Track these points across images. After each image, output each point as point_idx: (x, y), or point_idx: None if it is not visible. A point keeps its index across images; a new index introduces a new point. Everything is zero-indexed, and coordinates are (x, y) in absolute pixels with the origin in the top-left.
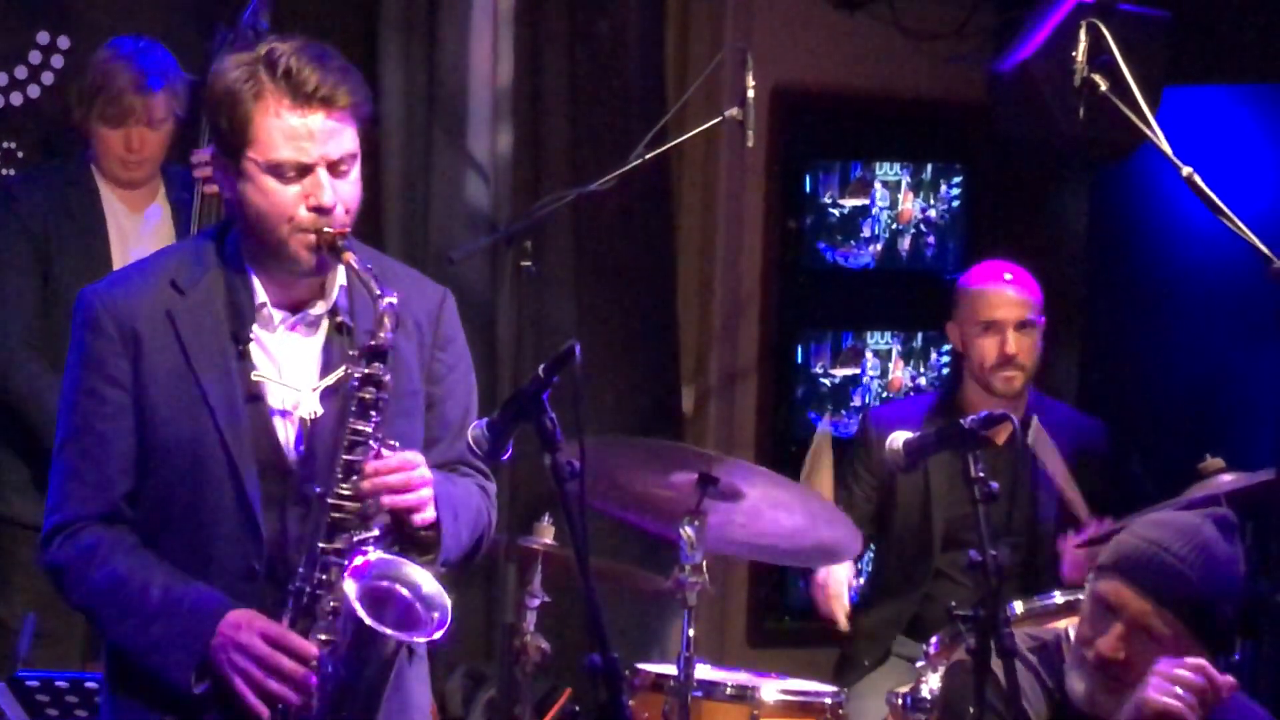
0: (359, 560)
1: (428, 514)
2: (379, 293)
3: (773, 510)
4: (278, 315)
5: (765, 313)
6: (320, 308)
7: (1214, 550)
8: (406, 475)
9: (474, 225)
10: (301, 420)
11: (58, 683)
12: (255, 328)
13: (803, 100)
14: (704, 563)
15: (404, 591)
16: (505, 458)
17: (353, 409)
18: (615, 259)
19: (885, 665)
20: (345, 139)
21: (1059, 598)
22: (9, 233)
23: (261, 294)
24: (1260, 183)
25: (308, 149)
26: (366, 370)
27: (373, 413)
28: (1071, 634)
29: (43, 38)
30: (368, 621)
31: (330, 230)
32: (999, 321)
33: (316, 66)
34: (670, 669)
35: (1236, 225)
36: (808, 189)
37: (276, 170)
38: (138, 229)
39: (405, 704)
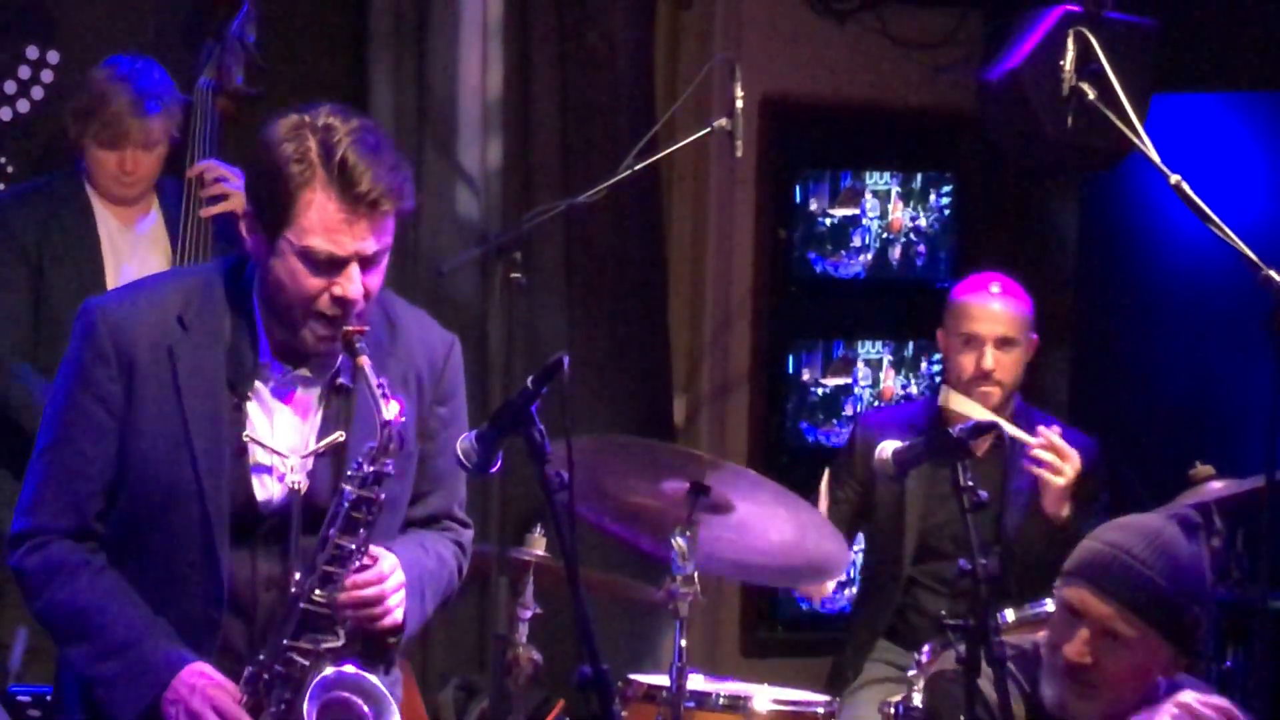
0: (330, 671)
1: (395, 618)
2: (386, 417)
3: (763, 523)
4: (279, 372)
5: (756, 323)
6: (324, 369)
7: (1176, 550)
8: (381, 589)
9: (464, 236)
10: (289, 490)
11: (49, 698)
12: (256, 383)
13: (792, 110)
14: (696, 573)
15: (364, 709)
16: (494, 470)
17: (341, 525)
18: (605, 270)
19: (877, 674)
20: (384, 236)
21: (1049, 605)
22: (1, 248)
23: (266, 351)
24: (1249, 190)
25: (345, 244)
26: (362, 492)
27: (361, 530)
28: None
29: (32, 52)
30: None
31: (349, 330)
32: (978, 336)
33: (371, 164)
34: (663, 680)
35: (1225, 233)
36: (798, 199)
37: (309, 257)
38: (130, 243)
39: None
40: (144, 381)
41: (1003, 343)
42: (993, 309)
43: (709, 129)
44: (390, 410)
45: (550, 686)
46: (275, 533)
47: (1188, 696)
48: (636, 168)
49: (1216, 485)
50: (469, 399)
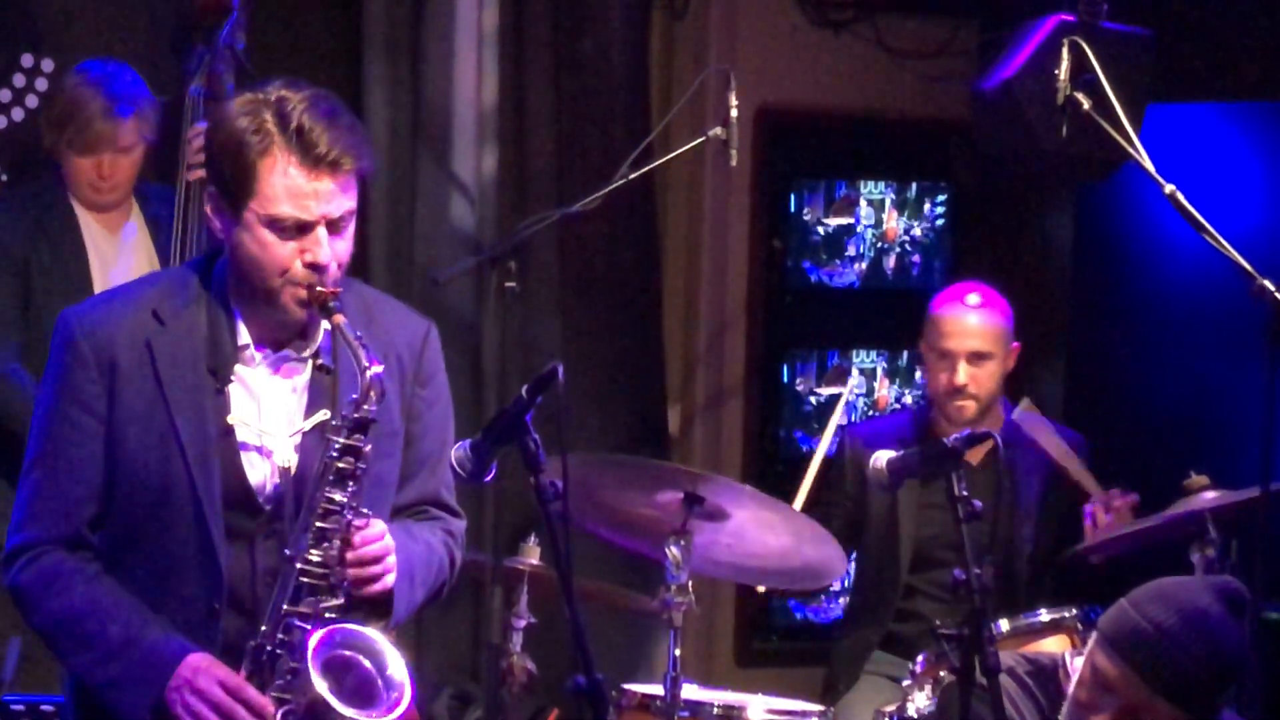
0: (322, 633)
1: (386, 583)
2: (366, 364)
3: (758, 531)
4: (259, 355)
5: (750, 332)
6: (304, 349)
7: (1222, 638)
8: (385, 545)
9: (458, 246)
10: (279, 469)
11: (43, 707)
12: (237, 367)
13: (787, 120)
14: (690, 583)
15: (367, 664)
16: (489, 479)
17: (330, 478)
18: (600, 279)
19: (871, 683)
20: (347, 198)
21: (1045, 615)
22: None
23: (244, 334)
24: (1244, 200)
25: (310, 208)
26: (347, 441)
27: (350, 483)
28: (1069, 660)
29: (27, 60)
30: (327, 698)
31: (323, 290)
32: (950, 351)
33: (327, 126)
34: (657, 689)
35: (1220, 243)
36: (792, 208)
37: (276, 225)
38: (116, 249)
39: None
40: (126, 379)
41: (975, 357)
42: (965, 323)
43: (704, 138)
44: (370, 360)
45: (544, 696)
46: (270, 525)
47: None
48: (631, 177)
49: (1210, 495)
50: (462, 407)
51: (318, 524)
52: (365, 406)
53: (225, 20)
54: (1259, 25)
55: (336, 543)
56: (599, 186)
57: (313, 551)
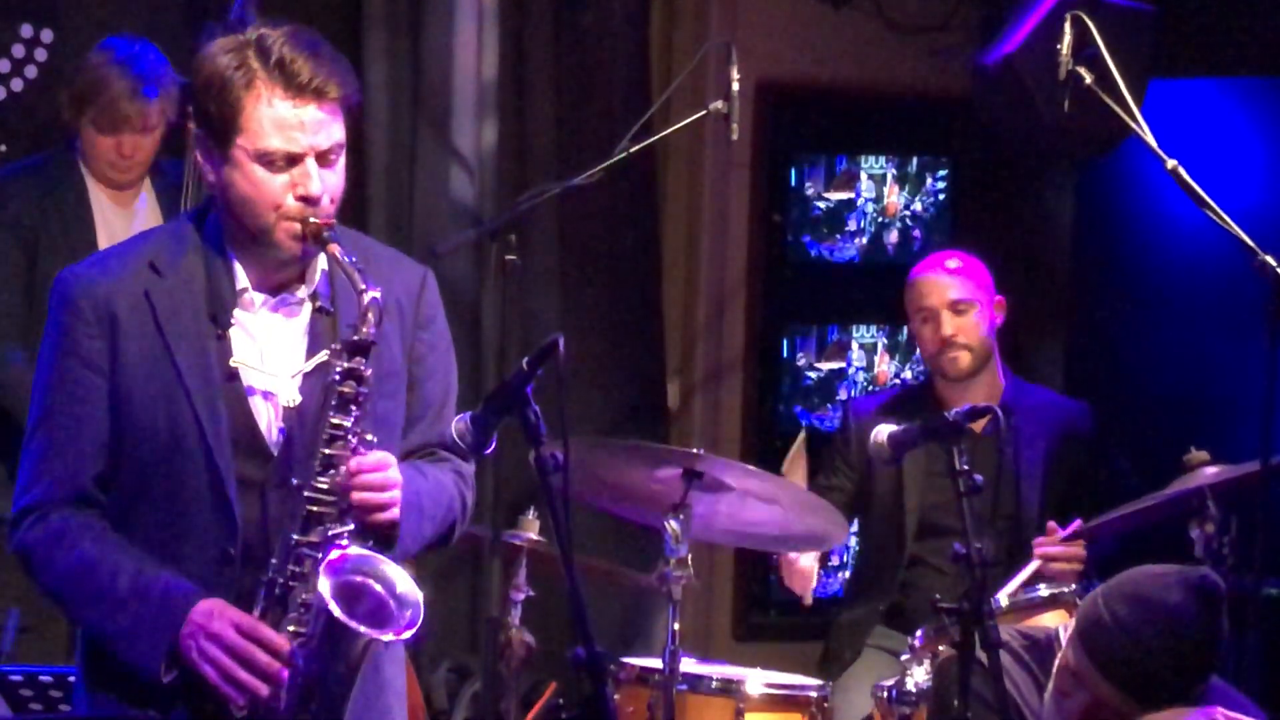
0: (335, 554)
1: (392, 514)
2: (363, 287)
3: (758, 501)
4: (259, 298)
5: (750, 306)
6: (302, 291)
7: (1180, 631)
8: (384, 476)
9: (459, 219)
10: (282, 408)
11: (41, 677)
12: (237, 312)
13: (788, 94)
14: (689, 557)
15: (378, 588)
16: (489, 452)
17: (333, 403)
18: (600, 253)
19: (870, 658)
20: (334, 129)
21: (1044, 591)
22: None
23: (243, 278)
24: (1246, 176)
25: (298, 139)
26: (348, 364)
27: (353, 407)
28: (1062, 633)
29: (26, 31)
30: (340, 617)
31: (316, 221)
32: (931, 307)
33: (309, 56)
34: (655, 663)
35: (1222, 218)
36: (793, 182)
37: (265, 159)
38: (126, 223)
39: (381, 686)
40: (127, 332)
41: (956, 306)
42: (939, 279)
43: (705, 112)
44: (366, 284)
45: (543, 669)
46: (281, 474)
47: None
48: (632, 151)
49: (1211, 471)
50: (461, 379)
51: (323, 450)
52: (364, 329)
53: None
54: (1260, 0)
55: (343, 470)
56: (599, 160)
57: (319, 479)
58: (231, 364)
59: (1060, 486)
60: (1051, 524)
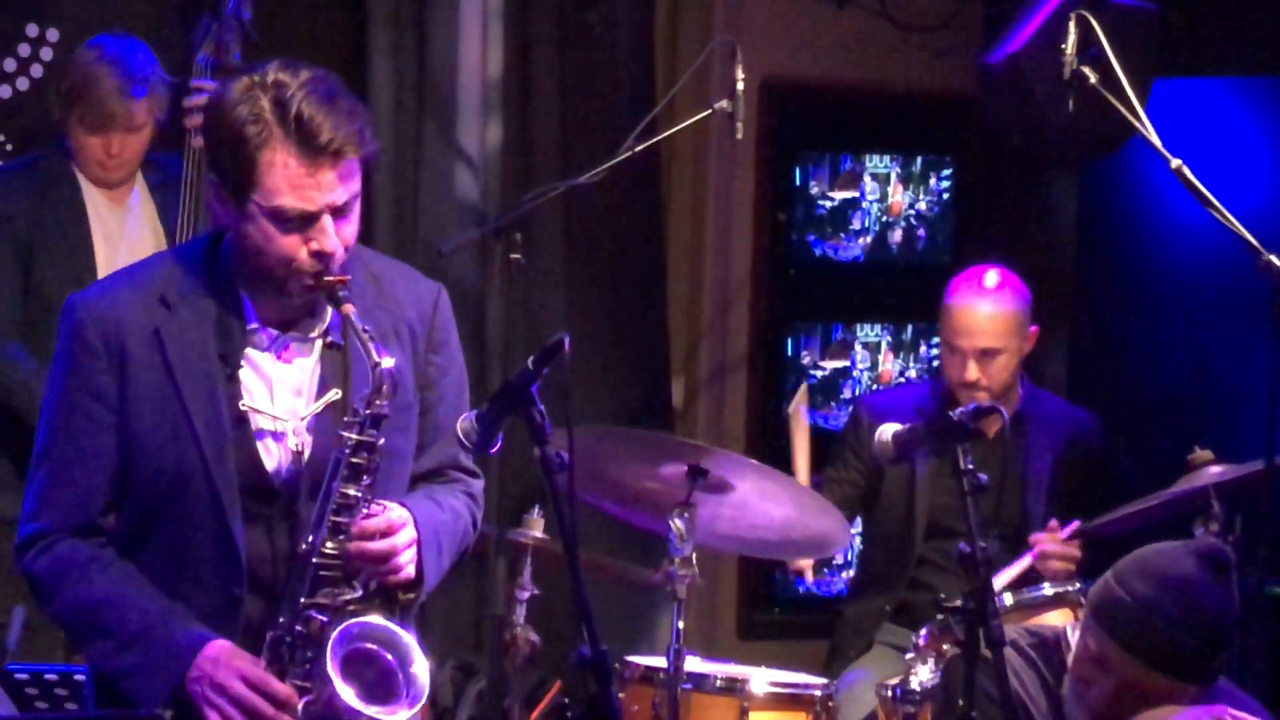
0: (349, 621)
1: (405, 574)
2: (376, 360)
3: (762, 502)
4: (269, 336)
5: (755, 305)
6: (314, 330)
7: (1202, 602)
8: (391, 543)
9: (463, 218)
10: (292, 453)
11: (47, 675)
12: (247, 350)
13: (792, 92)
14: (693, 555)
15: (389, 658)
16: (494, 450)
17: (344, 473)
18: (605, 251)
19: (875, 656)
20: (352, 184)
21: (1048, 589)
22: None
23: (253, 317)
24: (1250, 175)
25: (314, 198)
26: (360, 437)
27: (364, 477)
28: (1070, 631)
29: (31, 30)
30: (348, 702)
31: (331, 279)
32: (960, 349)
33: (328, 113)
34: (660, 661)
35: (1226, 217)
36: (797, 181)
37: (280, 216)
38: (119, 221)
39: None
40: (136, 368)
41: (985, 354)
42: (975, 318)
43: (709, 111)
44: (379, 354)
45: (547, 668)
46: (288, 507)
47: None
48: (636, 149)
49: (1215, 470)
50: (469, 381)
51: (332, 518)
52: (377, 402)
53: None
54: (1265, 0)
55: (351, 535)
56: (604, 159)
57: (328, 544)
58: (241, 406)
59: (1065, 497)
60: (1053, 521)
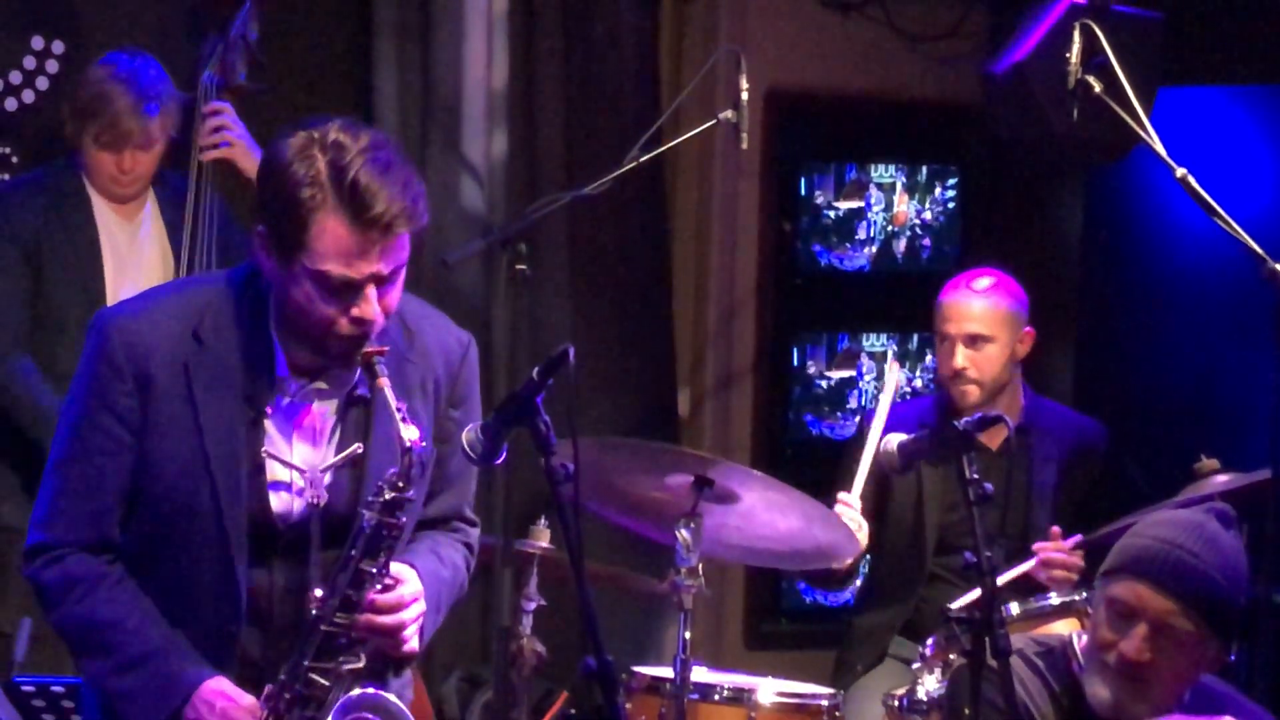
0: (354, 692)
1: (410, 647)
2: (405, 441)
3: (768, 513)
4: (297, 383)
5: (760, 315)
6: (341, 382)
7: (1222, 544)
8: (399, 618)
9: (469, 228)
10: (308, 505)
11: (53, 687)
12: (273, 398)
13: (797, 102)
14: (700, 565)
15: None
16: (499, 461)
17: (363, 548)
18: (610, 262)
19: (882, 667)
20: (400, 255)
21: (1055, 599)
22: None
23: (283, 364)
24: (1255, 184)
25: (360, 268)
26: (383, 518)
27: (382, 555)
28: (1077, 640)
29: (37, 43)
30: None
31: (369, 350)
32: (948, 335)
33: (383, 184)
34: (666, 672)
35: (1231, 226)
36: (802, 191)
37: (323, 281)
38: (131, 236)
39: None
40: (160, 398)
41: (972, 340)
42: (963, 306)
43: (714, 121)
44: (410, 433)
45: (554, 678)
46: (293, 546)
47: None
48: (641, 159)
49: (1221, 479)
50: None
51: (346, 590)
52: (401, 484)
53: (239, 10)
54: (1269, 8)
55: (363, 609)
56: (609, 169)
57: (339, 615)
58: (261, 454)
59: (1070, 508)
60: (1056, 529)
